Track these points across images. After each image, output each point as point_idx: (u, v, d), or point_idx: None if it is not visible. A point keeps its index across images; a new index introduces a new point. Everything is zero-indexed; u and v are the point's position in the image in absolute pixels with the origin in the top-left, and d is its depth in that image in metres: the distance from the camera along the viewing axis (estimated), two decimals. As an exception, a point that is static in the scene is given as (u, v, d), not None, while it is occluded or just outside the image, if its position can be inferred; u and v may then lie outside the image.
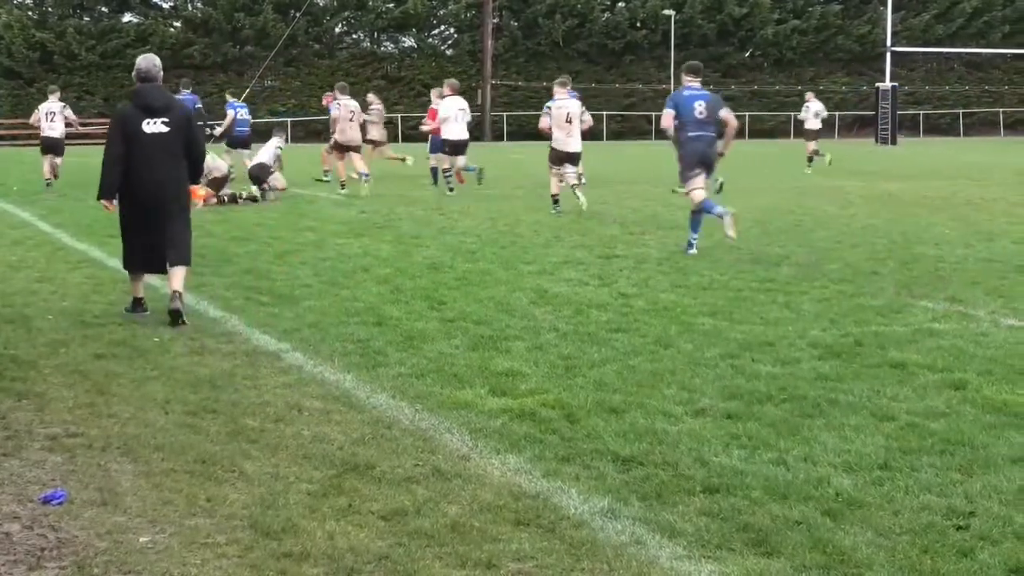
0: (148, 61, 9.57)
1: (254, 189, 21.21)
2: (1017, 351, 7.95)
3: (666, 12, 66.86)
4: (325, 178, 25.40)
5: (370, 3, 67.01)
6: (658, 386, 6.98)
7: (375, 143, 25.89)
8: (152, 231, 9.41)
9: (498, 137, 63.77)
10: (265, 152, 21.54)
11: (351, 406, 6.62)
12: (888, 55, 59.90)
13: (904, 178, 27.53)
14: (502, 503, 4.98)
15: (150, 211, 9.39)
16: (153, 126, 9.30)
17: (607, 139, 60.72)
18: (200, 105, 27.16)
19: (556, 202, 18.45)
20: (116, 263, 10.27)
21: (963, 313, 9.48)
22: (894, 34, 62.19)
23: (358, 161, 23.20)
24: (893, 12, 60.49)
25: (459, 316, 9.31)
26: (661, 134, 13.99)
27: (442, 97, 23.73)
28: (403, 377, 7.28)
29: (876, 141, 56.20)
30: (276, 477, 5.36)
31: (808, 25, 71.82)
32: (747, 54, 73.04)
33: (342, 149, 23.21)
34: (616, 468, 5.45)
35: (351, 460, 5.59)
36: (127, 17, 65.94)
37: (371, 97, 26.81)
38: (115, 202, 9.51)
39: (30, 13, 64.01)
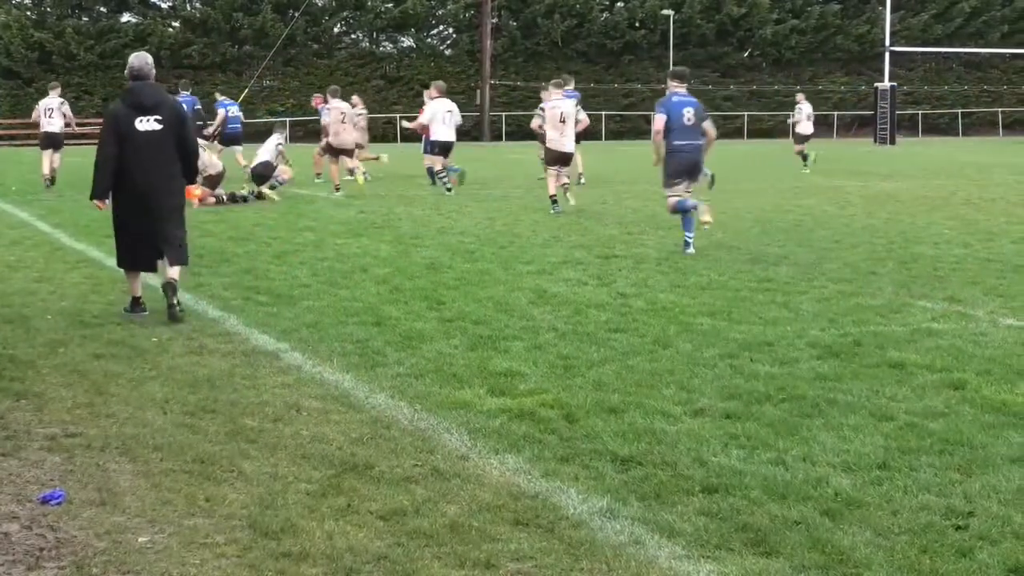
0: (140, 59, 9.61)
1: (254, 188, 21.21)
2: (1016, 351, 7.95)
3: (665, 12, 66.84)
4: (317, 180, 25.44)
5: (369, 3, 66.97)
6: (657, 386, 6.98)
7: (357, 145, 26.02)
8: (146, 228, 9.46)
9: (497, 137, 63.76)
10: (266, 151, 21.52)
11: (350, 406, 6.62)
12: (887, 55, 59.88)
13: (903, 178, 27.54)
14: (501, 503, 4.98)
15: (143, 208, 9.43)
16: (146, 124, 9.33)
17: (606, 139, 60.73)
18: (199, 107, 27.24)
19: (555, 202, 18.47)
20: (114, 263, 10.27)
21: (962, 313, 9.49)
22: (893, 34, 62.18)
23: (349, 161, 23.49)
24: (892, 12, 60.45)
25: (458, 316, 9.31)
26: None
27: (431, 99, 23.85)
28: (402, 377, 7.28)
29: (875, 141, 56.20)
30: (275, 477, 5.36)
31: (807, 25, 71.80)
32: (746, 54, 73.02)
33: (335, 152, 23.30)
34: (615, 468, 5.45)
35: (350, 460, 5.59)
36: (126, 17, 65.90)
37: (355, 99, 26.91)
38: (107, 201, 9.56)
39: (28, 13, 63.97)
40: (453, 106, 23.43)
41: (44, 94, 25.87)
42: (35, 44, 60.81)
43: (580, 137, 24.82)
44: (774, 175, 28.62)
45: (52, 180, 23.91)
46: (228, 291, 10.69)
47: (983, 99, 74.17)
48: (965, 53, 72.61)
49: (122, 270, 9.88)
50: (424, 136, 24.80)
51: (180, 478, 5.35)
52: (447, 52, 70.83)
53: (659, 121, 13.45)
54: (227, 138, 26.45)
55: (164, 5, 67.30)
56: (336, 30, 69.46)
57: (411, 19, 67.68)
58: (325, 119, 23.74)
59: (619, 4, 70.45)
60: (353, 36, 70.82)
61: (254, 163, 21.55)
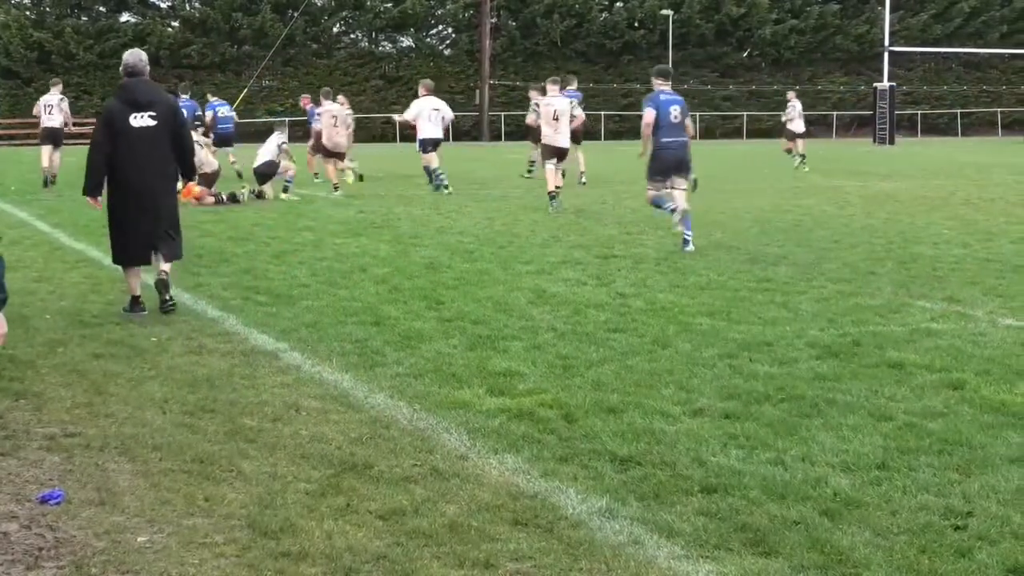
0: (135, 56, 9.70)
1: (253, 188, 21.22)
2: (1015, 351, 7.95)
3: (664, 12, 66.88)
4: (316, 180, 25.47)
5: (368, 3, 66.98)
6: (656, 386, 6.98)
7: None
8: (140, 223, 9.53)
9: (496, 137, 63.77)
10: (268, 151, 21.47)
11: (349, 406, 6.62)
12: (886, 55, 59.87)
13: (902, 178, 27.54)
14: (500, 503, 4.98)
15: (137, 204, 9.52)
16: (140, 120, 9.40)
17: (605, 139, 60.75)
18: (200, 112, 27.25)
19: (553, 198, 18.62)
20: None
21: (961, 313, 9.49)
22: (892, 34, 62.19)
23: (340, 163, 23.88)
24: (891, 12, 60.46)
25: (457, 316, 9.31)
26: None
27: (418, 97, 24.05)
28: (401, 377, 7.28)
29: (874, 141, 56.20)
30: (274, 477, 5.36)
31: (806, 25, 71.84)
32: (745, 54, 73.06)
33: (329, 154, 23.43)
34: (614, 468, 5.45)
35: (349, 460, 5.59)
36: (125, 17, 65.94)
37: (341, 99, 27.01)
38: (100, 199, 9.65)
39: (28, 13, 64.01)
40: (440, 104, 23.55)
41: (44, 93, 26.00)
42: (34, 44, 60.84)
43: (580, 136, 24.98)
44: (773, 175, 28.61)
45: (53, 179, 24.07)
46: (227, 291, 10.69)
47: (982, 99, 74.21)
48: (964, 53, 72.64)
49: (121, 270, 9.92)
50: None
51: (179, 478, 5.35)
52: (446, 52, 70.86)
53: (649, 115, 13.73)
54: (219, 139, 26.51)
55: (163, 5, 67.35)
56: (335, 30, 69.48)
57: (410, 19, 67.70)
58: (316, 125, 24.01)
59: (618, 4, 70.48)
60: (352, 36, 70.84)
61: (257, 163, 21.51)
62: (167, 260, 9.64)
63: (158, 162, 9.51)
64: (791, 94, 32.75)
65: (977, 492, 5.08)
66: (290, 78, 64.61)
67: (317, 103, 25.39)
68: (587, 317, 9.26)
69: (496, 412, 6.39)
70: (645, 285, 10.93)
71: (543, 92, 22.25)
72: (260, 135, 28.60)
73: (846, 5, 72.55)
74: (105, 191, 9.67)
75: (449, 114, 23.66)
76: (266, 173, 21.26)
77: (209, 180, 20.10)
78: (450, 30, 71.54)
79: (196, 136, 19.80)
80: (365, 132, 61.04)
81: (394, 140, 53.62)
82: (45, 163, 24.56)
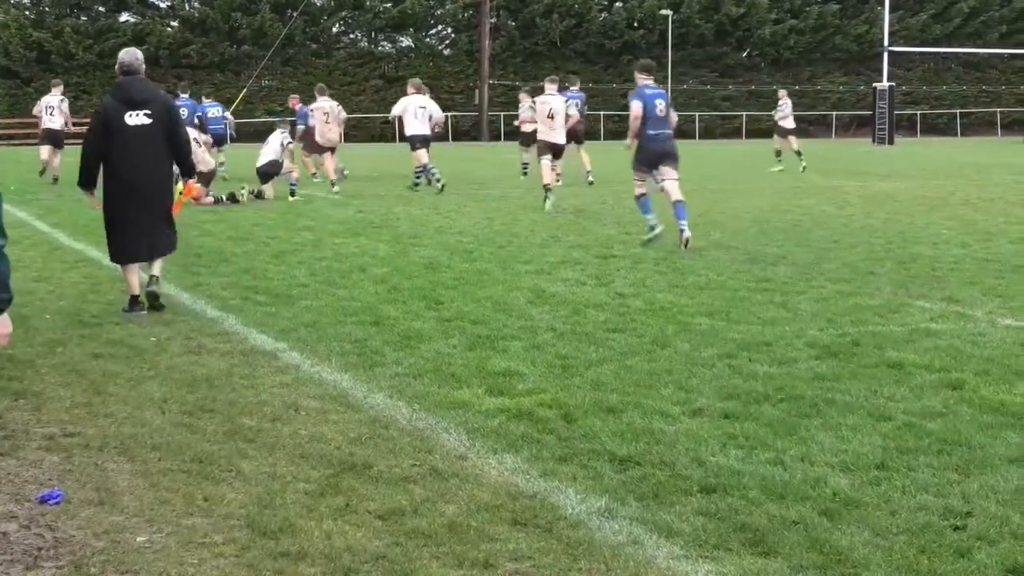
0: (130, 54, 9.77)
1: (253, 187, 21.20)
2: (1014, 351, 7.95)
3: (663, 12, 66.87)
4: (315, 180, 25.55)
5: (367, 3, 67.00)
6: (655, 386, 6.98)
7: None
8: (137, 221, 9.60)
9: (495, 137, 63.75)
10: (271, 149, 21.43)
11: (348, 406, 6.62)
12: (885, 55, 59.90)
13: (901, 178, 27.54)
14: (499, 503, 4.98)
15: (134, 201, 9.60)
16: (136, 118, 9.47)
17: (604, 139, 60.72)
18: (200, 114, 27.30)
19: (548, 190, 18.97)
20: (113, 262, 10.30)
21: (960, 313, 9.49)
22: (891, 34, 62.20)
23: (328, 160, 24.22)
24: (890, 12, 60.48)
25: (456, 316, 9.31)
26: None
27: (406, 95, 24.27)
28: (400, 377, 7.28)
29: (873, 141, 56.22)
30: (273, 477, 5.36)
31: (805, 25, 71.87)
32: (744, 54, 73.09)
33: (322, 150, 23.69)
34: (613, 468, 5.45)
35: (348, 460, 5.59)
36: (124, 17, 65.97)
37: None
38: (98, 197, 9.77)
39: (27, 12, 64.03)
40: (428, 102, 23.78)
41: (42, 93, 26.14)
42: (34, 44, 60.86)
43: (583, 136, 25.11)
44: (772, 175, 28.62)
45: (55, 180, 24.21)
46: (226, 291, 10.69)
47: (981, 99, 74.23)
48: (964, 53, 72.67)
49: (120, 270, 9.93)
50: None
51: (178, 478, 5.35)
52: (446, 52, 70.87)
53: (637, 107, 14.02)
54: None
55: (162, 5, 67.39)
56: (335, 30, 69.50)
57: (410, 19, 67.72)
58: (311, 121, 24.28)
59: (618, 4, 70.50)
60: (352, 36, 70.85)
61: (260, 162, 21.46)
62: (162, 254, 9.78)
63: (153, 160, 9.59)
64: (782, 92, 32.87)
65: (976, 492, 5.08)
66: (289, 78, 64.60)
67: (307, 103, 25.89)
68: (586, 317, 9.26)
69: (495, 412, 6.39)
70: (644, 285, 10.93)
71: (532, 95, 22.85)
72: (259, 135, 28.62)
73: (845, 5, 72.57)
74: (102, 190, 9.70)
75: (438, 113, 23.90)
76: (269, 173, 21.22)
77: (205, 179, 20.07)
78: (449, 30, 71.57)
79: (194, 134, 19.82)
80: (364, 132, 61.20)
81: (393, 140, 53.61)
82: (44, 156, 25.21)
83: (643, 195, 14.14)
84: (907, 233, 15.29)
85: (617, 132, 64.28)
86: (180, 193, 10.55)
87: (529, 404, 6.53)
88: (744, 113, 68.96)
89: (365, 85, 65.97)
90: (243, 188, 21.01)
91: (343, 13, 68.03)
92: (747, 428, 6.06)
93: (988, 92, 74.28)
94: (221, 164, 26.38)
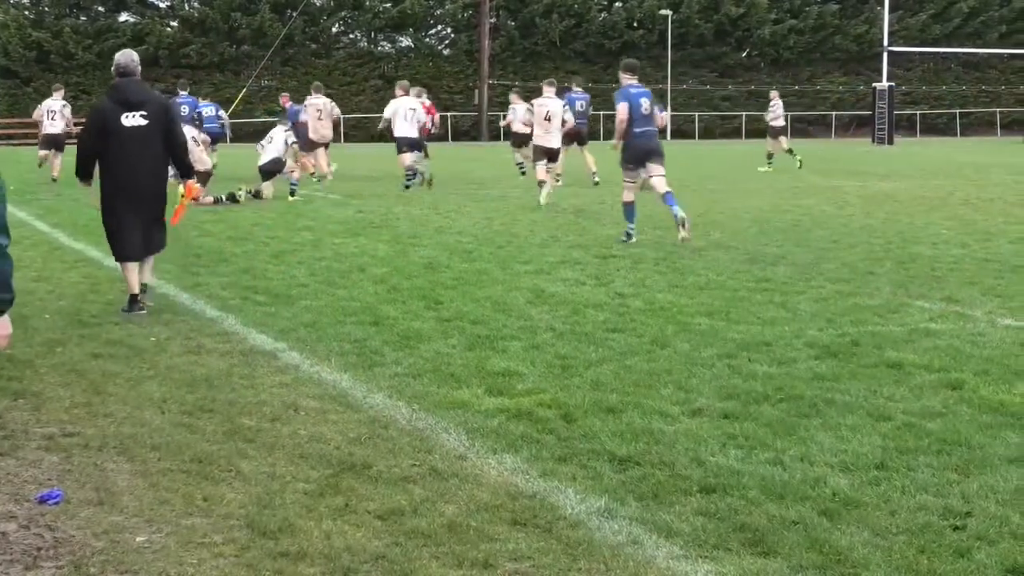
0: (126, 56, 9.84)
1: (251, 187, 21.19)
2: (1014, 351, 7.95)
3: (663, 12, 66.87)
4: (314, 180, 25.58)
5: (367, 3, 66.99)
6: (655, 386, 6.98)
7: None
8: (134, 220, 9.66)
9: (495, 137, 63.64)
10: (275, 148, 21.37)
11: (348, 406, 6.62)
12: (885, 55, 59.91)
13: (901, 178, 27.55)
14: (499, 503, 4.98)
15: (131, 201, 9.67)
16: (132, 119, 9.54)
17: (604, 139, 60.69)
18: (200, 110, 27.36)
19: (541, 184, 19.66)
20: (112, 262, 10.30)
21: (960, 313, 9.49)
22: (891, 34, 62.22)
23: (322, 156, 24.61)
24: (890, 12, 60.49)
25: (456, 316, 9.31)
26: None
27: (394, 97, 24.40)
28: (400, 377, 7.28)
29: (873, 141, 56.23)
30: (273, 476, 5.35)
31: (805, 25, 71.87)
32: (744, 54, 73.09)
33: (314, 146, 23.88)
34: (613, 468, 5.45)
35: (348, 460, 5.59)
36: (123, 16, 65.97)
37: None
38: (93, 188, 9.87)
39: (27, 12, 64.04)
40: (417, 104, 23.82)
41: (42, 93, 26.23)
42: (33, 43, 60.87)
43: (586, 138, 25.23)
44: (772, 175, 28.62)
45: (53, 180, 24.33)
46: (226, 291, 10.69)
47: (981, 99, 74.24)
48: (963, 53, 72.68)
49: (120, 269, 9.93)
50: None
51: (178, 477, 5.34)
52: (445, 52, 70.87)
53: (623, 109, 14.30)
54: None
55: (162, 5, 67.39)
56: (334, 30, 69.50)
57: (409, 19, 67.72)
58: (303, 116, 24.43)
59: (617, 4, 70.50)
60: (351, 36, 70.85)
61: (262, 160, 21.42)
62: (156, 250, 9.92)
63: (150, 161, 9.65)
64: (773, 93, 33.00)
65: (976, 492, 5.08)
66: (289, 78, 64.56)
67: (298, 102, 26.37)
68: (586, 317, 9.26)
69: (495, 412, 6.39)
70: (644, 285, 10.93)
71: (522, 96, 23.24)
72: (259, 135, 28.62)
73: (845, 5, 72.57)
74: (100, 191, 9.73)
75: (423, 116, 23.94)
76: (272, 171, 21.16)
77: (202, 179, 20.04)
78: (449, 30, 71.56)
79: (192, 132, 19.83)
80: (364, 132, 61.14)
81: (392, 140, 53.61)
82: (43, 154, 25.76)
83: (631, 203, 14.39)
84: (906, 233, 15.29)
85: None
86: (181, 196, 10.54)
87: (529, 404, 6.53)
88: (744, 113, 68.95)
89: (365, 85, 65.97)
90: (240, 189, 20.96)
91: (343, 13, 68.02)
92: (747, 428, 6.06)
93: (988, 92, 74.29)
94: (213, 165, 26.40)
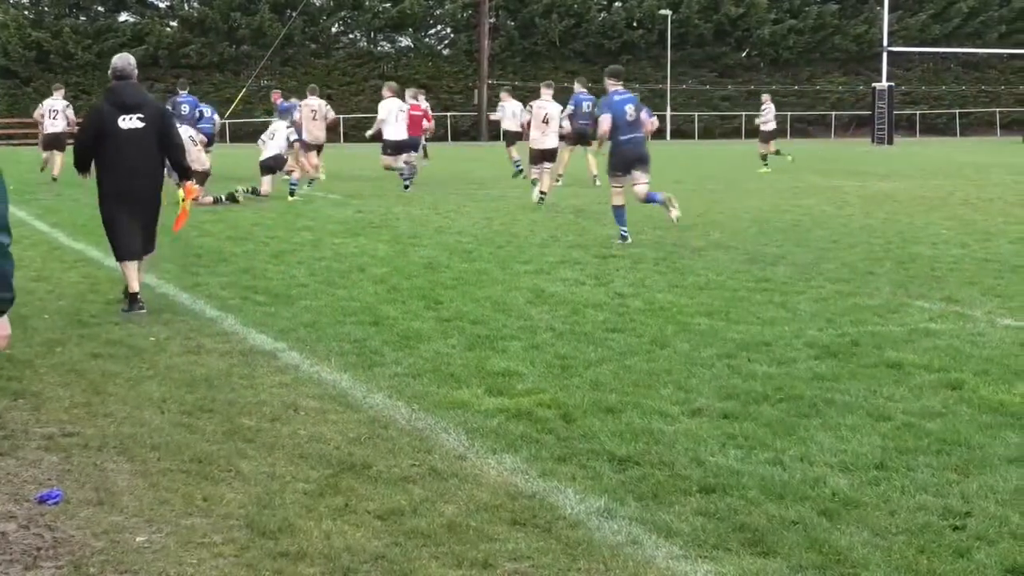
0: (123, 60, 9.94)
1: (250, 186, 21.19)
2: (1013, 351, 7.96)
3: (663, 12, 66.85)
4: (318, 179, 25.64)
5: (366, 3, 66.95)
6: (654, 386, 6.98)
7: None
8: (132, 221, 9.70)
9: (494, 137, 63.56)
10: (276, 144, 21.33)
11: (347, 406, 6.62)
12: (884, 55, 59.90)
13: (901, 178, 27.55)
14: (498, 503, 4.98)
15: (129, 202, 9.71)
16: (128, 122, 9.61)
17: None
18: (201, 107, 27.37)
19: (535, 183, 19.88)
20: (112, 262, 10.31)
21: (959, 313, 9.49)
22: (891, 34, 62.20)
23: (314, 158, 24.59)
24: (890, 12, 60.48)
25: (455, 316, 9.31)
26: (653, 134, 15.03)
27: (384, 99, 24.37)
28: (399, 377, 7.28)
29: (872, 141, 56.23)
30: (272, 476, 5.35)
31: (805, 25, 71.83)
32: (743, 54, 73.05)
33: (308, 147, 23.92)
34: (612, 468, 5.45)
35: (347, 460, 5.59)
36: (123, 16, 65.92)
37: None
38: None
39: (26, 12, 64.01)
40: (405, 106, 23.87)
41: (42, 93, 26.26)
42: (33, 43, 60.84)
43: (590, 139, 25.21)
44: (771, 175, 28.62)
45: (53, 179, 24.39)
46: (226, 290, 10.69)
47: (981, 99, 74.22)
48: (963, 53, 72.65)
49: (120, 269, 9.94)
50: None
51: (178, 477, 5.34)
52: (445, 52, 70.83)
53: (605, 122, 14.29)
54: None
55: (162, 5, 67.35)
56: (334, 30, 69.46)
57: (409, 19, 67.68)
58: (296, 115, 24.50)
59: (617, 4, 70.46)
60: (351, 36, 70.81)
61: (264, 156, 21.38)
62: (150, 251, 9.95)
63: (146, 162, 9.72)
64: (765, 97, 33.20)
65: (975, 492, 5.08)
66: (288, 78, 64.41)
67: (287, 99, 26.40)
68: (585, 317, 9.26)
69: (494, 412, 6.39)
70: (643, 285, 10.93)
71: (514, 95, 23.37)
72: (258, 136, 28.63)
73: (844, 5, 72.54)
74: (97, 193, 9.78)
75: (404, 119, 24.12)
76: (272, 167, 21.14)
77: (200, 179, 20.02)
78: (449, 30, 71.52)
79: (191, 132, 19.83)
80: (363, 132, 61.12)
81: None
82: (46, 156, 25.91)
83: (620, 206, 14.44)
84: (906, 233, 15.29)
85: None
86: (182, 201, 10.53)
87: (528, 404, 6.53)
88: (743, 113, 68.83)
89: (364, 85, 65.89)
90: (237, 189, 20.93)
91: (342, 13, 67.98)
92: (746, 428, 6.06)
93: (987, 92, 74.27)
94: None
